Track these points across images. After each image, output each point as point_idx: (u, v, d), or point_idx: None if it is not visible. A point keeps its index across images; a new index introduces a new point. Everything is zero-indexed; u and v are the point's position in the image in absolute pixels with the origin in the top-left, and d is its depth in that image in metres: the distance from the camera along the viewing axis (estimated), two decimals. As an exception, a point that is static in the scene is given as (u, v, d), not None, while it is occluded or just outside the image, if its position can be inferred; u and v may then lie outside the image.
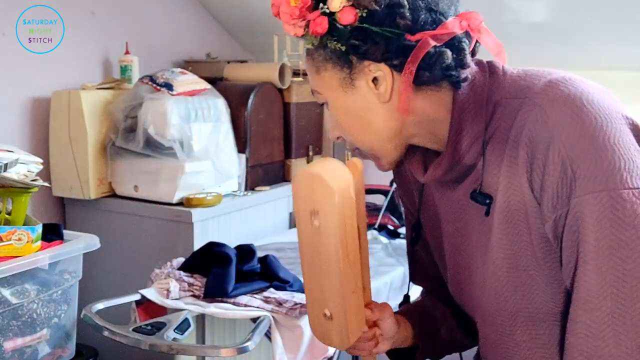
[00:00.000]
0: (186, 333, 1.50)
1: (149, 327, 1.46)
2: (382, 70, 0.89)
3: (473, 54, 0.92)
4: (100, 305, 1.55)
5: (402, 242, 2.17)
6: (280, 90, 2.42)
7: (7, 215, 1.52)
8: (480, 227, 0.94)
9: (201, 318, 1.82)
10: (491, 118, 0.90)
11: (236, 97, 2.29)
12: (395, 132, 0.93)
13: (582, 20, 2.08)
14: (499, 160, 0.89)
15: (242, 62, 2.73)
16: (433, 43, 0.85)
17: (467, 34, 0.89)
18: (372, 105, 0.91)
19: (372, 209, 2.37)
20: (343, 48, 0.88)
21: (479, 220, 0.94)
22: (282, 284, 1.65)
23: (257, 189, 2.34)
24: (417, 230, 1.11)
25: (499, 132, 0.89)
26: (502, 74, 0.92)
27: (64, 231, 1.64)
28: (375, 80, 0.90)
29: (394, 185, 2.30)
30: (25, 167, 1.56)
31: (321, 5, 0.87)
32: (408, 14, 0.85)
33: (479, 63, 0.93)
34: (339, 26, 0.86)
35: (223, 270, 1.64)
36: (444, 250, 1.04)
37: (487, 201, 0.91)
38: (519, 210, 0.87)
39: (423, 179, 0.99)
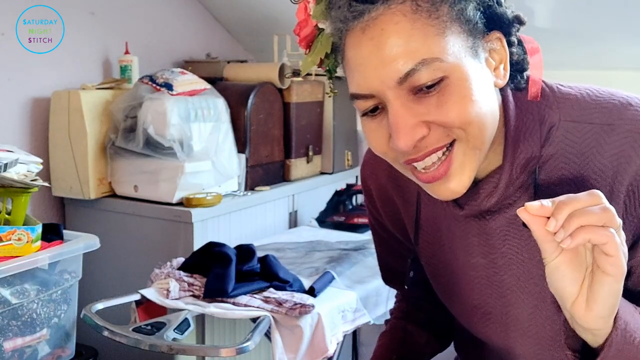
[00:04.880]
0: (186, 333, 1.50)
1: (149, 327, 1.46)
2: (502, 45, 0.77)
3: None
4: (100, 305, 1.55)
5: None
6: (280, 90, 2.42)
7: (7, 215, 1.52)
8: (528, 255, 0.85)
9: (201, 318, 1.82)
10: (545, 140, 0.81)
11: (236, 97, 2.29)
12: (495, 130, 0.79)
13: (584, 21, 2.08)
14: (562, 187, 0.80)
15: (242, 62, 2.73)
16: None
17: None
18: (490, 87, 0.76)
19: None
20: (481, 8, 0.75)
21: (525, 249, 0.85)
22: (282, 284, 1.65)
23: (257, 189, 2.34)
24: (417, 268, 1.00)
25: (563, 157, 0.80)
26: (549, 91, 0.83)
27: (64, 231, 1.65)
28: (491, 56, 0.77)
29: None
30: (25, 167, 1.56)
31: None
32: None
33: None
34: None
35: (223, 270, 1.64)
36: (454, 285, 0.95)
37: None
38: None
39: (463, 211, 0.86)
